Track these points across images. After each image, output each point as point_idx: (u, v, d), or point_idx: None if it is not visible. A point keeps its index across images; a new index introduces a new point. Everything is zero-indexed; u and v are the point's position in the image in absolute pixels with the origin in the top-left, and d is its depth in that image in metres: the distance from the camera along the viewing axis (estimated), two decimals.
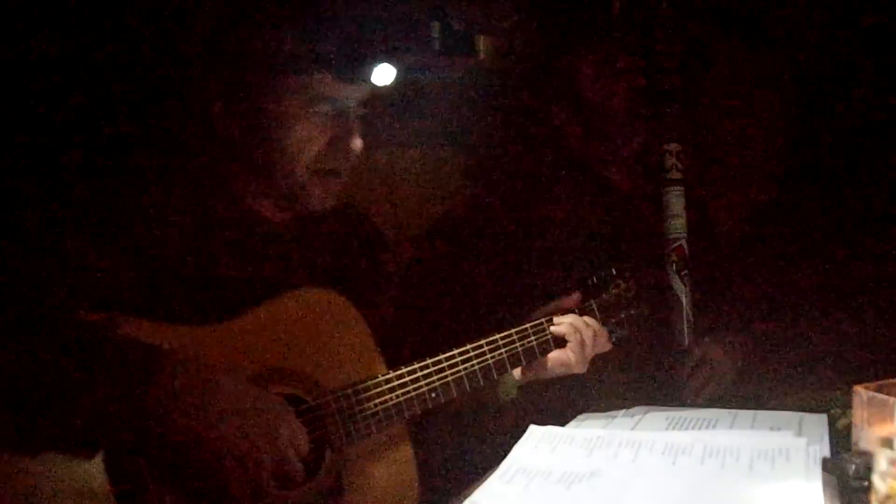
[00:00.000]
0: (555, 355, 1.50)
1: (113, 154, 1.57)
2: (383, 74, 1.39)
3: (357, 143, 1.38)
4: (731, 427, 1.43)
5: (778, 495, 1.09)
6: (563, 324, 1.50)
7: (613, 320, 1.58)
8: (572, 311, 1.53)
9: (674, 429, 1.44)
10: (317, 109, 1.35)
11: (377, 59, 1.37)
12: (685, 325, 1.79)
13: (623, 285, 1.60)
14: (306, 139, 1.35)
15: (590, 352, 1.51)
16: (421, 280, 1.88)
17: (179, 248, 1.29)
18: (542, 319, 1.50)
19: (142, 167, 1.38)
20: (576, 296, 1.55)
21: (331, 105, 1.35)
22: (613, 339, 1.58)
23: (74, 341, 1.10)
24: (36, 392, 1.07)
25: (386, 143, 2.08)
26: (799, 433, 1.32)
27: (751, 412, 1.50)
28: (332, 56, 1.31)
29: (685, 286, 1.81)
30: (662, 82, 1.81)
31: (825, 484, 1.11)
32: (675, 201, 1.81)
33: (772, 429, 1.38)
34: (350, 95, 1.37)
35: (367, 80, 1.37)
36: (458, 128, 2.11)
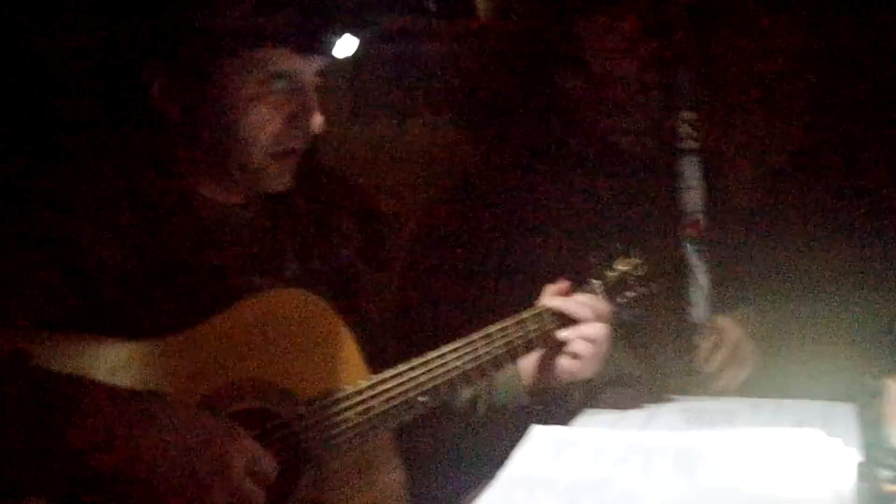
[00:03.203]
0: (563, 366, 1.40)
1: (28, 138, 1.42)
2: (345, 44, 1.26)
3: (317, 120, 1.25)
4: (751, 420, 1.33)
5: None
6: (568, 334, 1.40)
7: (622, 301, 1.46)
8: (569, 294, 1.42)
9: (689, 424, 1.34)
10: (272, 87, 1.22)
11: (341, 28, 1.24)
12: (703, 305, 1.68)
13: (631, 262, 1.48)
14: (262, 120, 1.22)
15: (601, 356, 1.40)
16: (423, 259, 1.79)
17: (116, 247, 1.16)
18: (541, 309, 1.39)
19: (65, 152, 1.24)
20: (561, 283, 1.43)
21: (287, 81, 1.23)
22: (624, 318, 1.46)
23: None
24: None
25: (382, 114, 1.96)
26: (827, 429, 1.21)
27: (772, 402, 1.40)
28: (288, 29, 1.19)
29: (702, 262, 1.70)
30: (674, 46, 1.68)
31: (859, 494, 1.01)
32: (691, 172, 1.69)
33: (797, 423, 1.28)
34: (308, 69, 1.24)
35: (328, 52, 1.24)
36: (458, 95, 1.99)
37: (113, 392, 1.02)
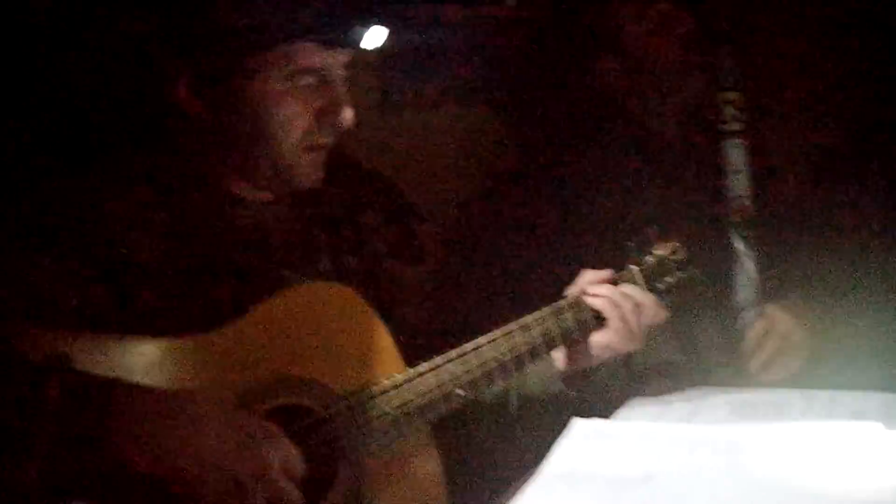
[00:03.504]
0: (595, 338, 1.34)
1: (60, 141, 1.42)
2: (373, 35, 1.23)
3: (348, 115, 1.23)
4: (804, 413, 1.28)
5: None
6: (596, 297, 1.34)
7: (661, 287, 1.41)
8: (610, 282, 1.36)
9: (737, 416, 1.29)
10: (300, 83, 1.20)
11: (368, 20, 1.21)
12: (751, 293, 1.62)
13: (669, 247, 1.42)
14: (291, 116, 1.21)
15: (636, 325, 1.33)
16: (459, 250, 1.75)
17: (150, 248, 1.16)
18: (578, 294, 1.34)
19: (98, 155, 1.24)
20: (605, 272, 1.38)
21: (315, 76, 1.21)
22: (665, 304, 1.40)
23: (12, 388, 0.96)
24: None
25: (411, 105, 1.93)
26: (886, 422, 1.14)
27: (826, 393, 1.35)
28: (315, 22, 1.16)
29: (750, 249, 1.64)
30: (715, 23, 1.62)
31: None
32: (736, 156, 1.63)
33: (853, 415, 1.22)
34: (336, 62, 1.22)
35: (356, 45, 1.22)
36: (489, 85, 1.95)
37: (151, 394, 1.02)
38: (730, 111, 1.62)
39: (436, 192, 1.91)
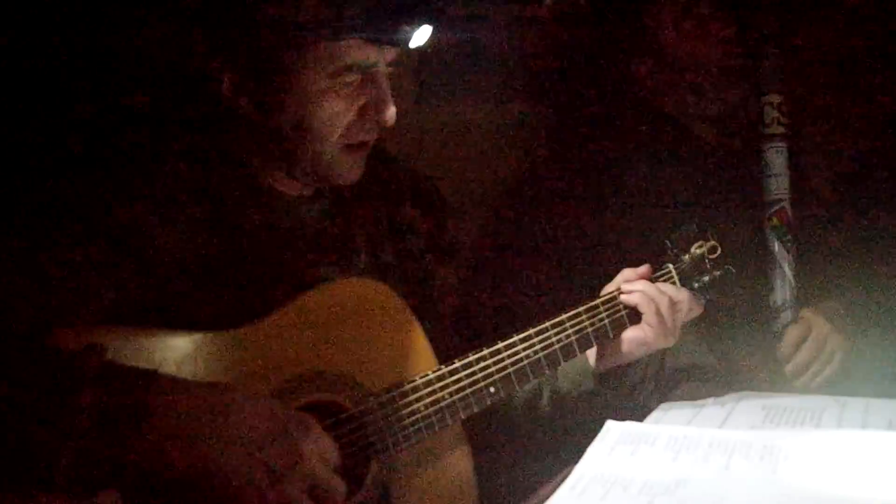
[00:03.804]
0: (629, 334, 1.34)
1: (99, 131, 1.42)
2: (421, 32, 1.23)
3: (391, 113, 1.22)
4: (839, 420, 1.26)
5: None
6: (632, 292, 1.33)
7: (696, 285, 1.40)
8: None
9: (772, 422, 1.28)
10: (345, 79, 1.19)
11: (416, 18, 1.21)
12: (788, 297, 1.62)
13: (706, 245, 1.41)
14: (335, 113, 1.20)
15: (671, 321, 1.33)
16: (491, 249, 1.75)
17: (187, 241, 1.16)
18: (614, 292, 1.34)
19: (137, 147, 1.22)
20: (643, 267, 1.37)
21: (360, 73, 1.20)
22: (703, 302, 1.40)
23: (50, 376, 0.96)
24: (13, 434, 0.93)
25: (448, 101, 1.93)
26: None
27: (862, 400, 1.33)
28: (363, 20, 1.15)
29: (788, 253, 1.63)
30: (758, 26, 1.61)
31: None
32: (777, 159, 1.63)
33: (888, 425, 1.21)
34: (382, 60, 1.21)
35: (402, 44, 1.21)
36: (527, 81, 1.94)
37: (186, 385, 1.03)
38: (771, 114, 1.61)
39: (471, 189, 1.92)
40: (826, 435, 1.14)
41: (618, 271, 1.39)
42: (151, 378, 1.00)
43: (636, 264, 1.39)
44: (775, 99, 1.61)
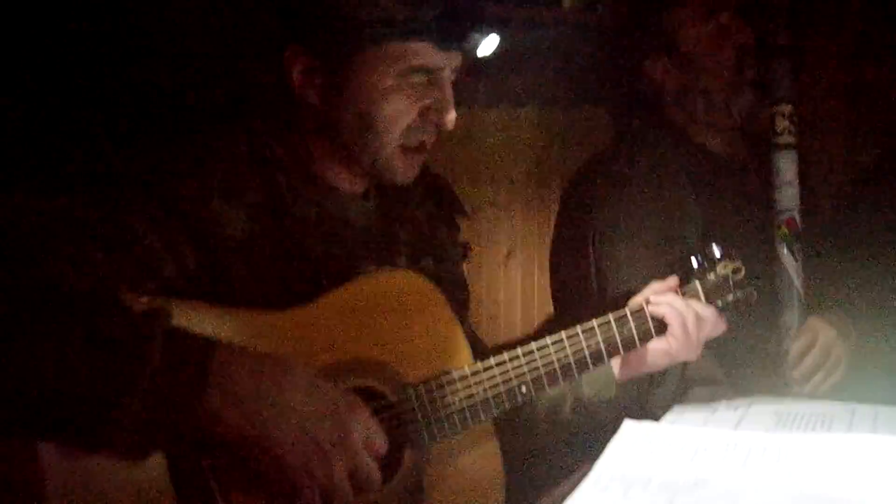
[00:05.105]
0: (654, 345, 1.35)
1: (169, 118, 1.42)
2: (488, 37, 1.25)
3: (451, 116, 1.25)
4: (848, 426, 1.28)
5: None
6: (661, 304, 1.35)
7: (720, 303, 1.42)
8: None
9: (783, 426, 1.29)
10: (411, 80, 1.22)
11: (482, 22, 1.22)
12: (796, 306, 1.63)
13: (730, 266, 1.43)
14: (399, 113, 1.22)
15: (695, 335, 1.35)
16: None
17: (245, 224, 1.17)
18: (642, 303, 1.36)
19: (202, 133, 1.24)
20: (672, 279, 1.39)
21: (427, 75, 1.22)
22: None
23: (119, 333, 0.97)
24: (74, 388, 0.94)
25: (464, 104, 1.94)
26: None
27: (871, 408, 1.35)
28: (435, 23, 1.18)
29: (797, 261, 1.65)
30: (772, 37, 1.63)
31: None
32: (787, 168, 1.64)
33: None
34: (447, 63, 1.23)
35: (469, 46, 1.24)
36: (541, 86, 1.96)
37: (246, 355, 1.03)
38: (782, 123, 1.63)
39: (483, 191, 1.94)
40: (835, 439, 1.16)
41: (640, 282, 1.41)
42: (213, 346, 1.01)
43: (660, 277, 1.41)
44: (786, 109, 1.63)
